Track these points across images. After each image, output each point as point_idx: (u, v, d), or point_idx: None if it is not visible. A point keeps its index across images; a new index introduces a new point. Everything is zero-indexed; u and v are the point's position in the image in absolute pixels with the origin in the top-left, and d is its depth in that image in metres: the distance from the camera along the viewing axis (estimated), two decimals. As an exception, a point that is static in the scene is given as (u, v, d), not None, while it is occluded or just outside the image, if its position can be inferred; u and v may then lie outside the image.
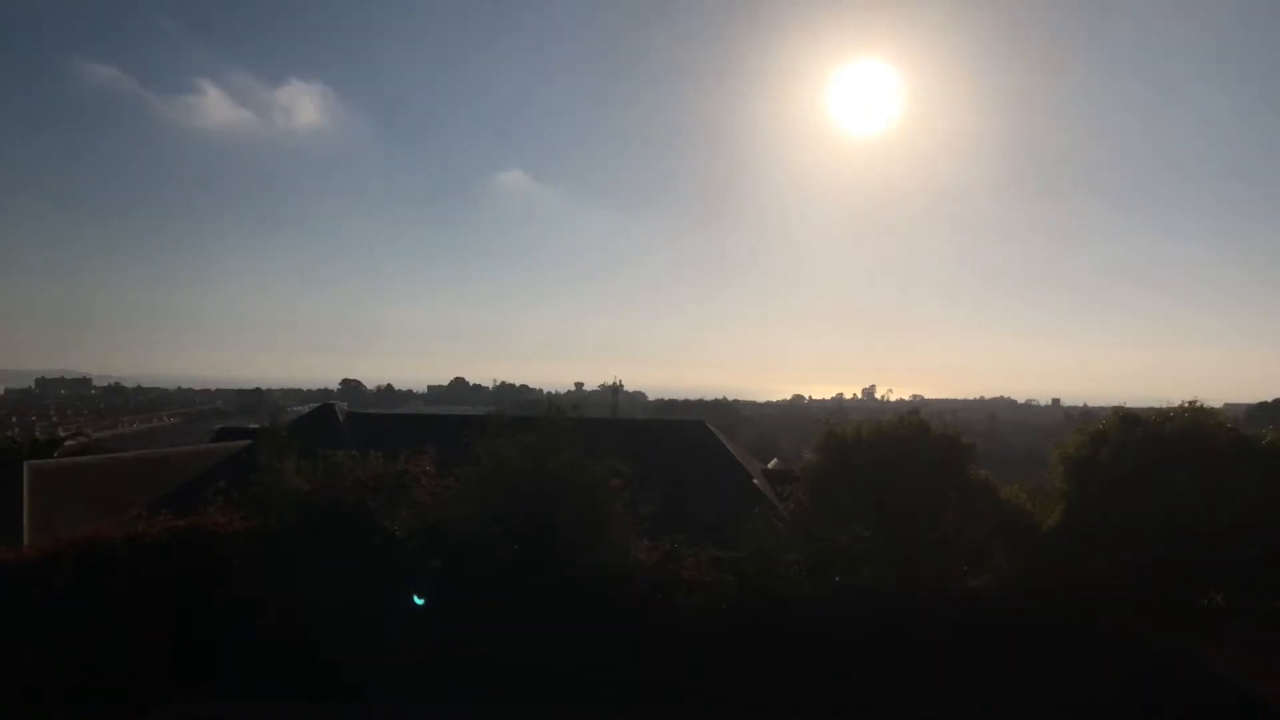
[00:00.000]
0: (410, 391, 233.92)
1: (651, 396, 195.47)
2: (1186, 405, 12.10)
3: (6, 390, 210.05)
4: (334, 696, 10.90)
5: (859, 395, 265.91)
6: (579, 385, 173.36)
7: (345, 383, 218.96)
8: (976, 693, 10.72)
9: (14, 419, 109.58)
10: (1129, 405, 12.53)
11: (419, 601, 11.44)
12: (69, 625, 10.76)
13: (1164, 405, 12.23)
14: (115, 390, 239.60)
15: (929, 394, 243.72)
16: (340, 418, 22.83)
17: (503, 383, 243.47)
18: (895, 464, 11.77)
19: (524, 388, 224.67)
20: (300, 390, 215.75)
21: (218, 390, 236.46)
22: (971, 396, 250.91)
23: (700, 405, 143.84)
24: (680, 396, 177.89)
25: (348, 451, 12.35)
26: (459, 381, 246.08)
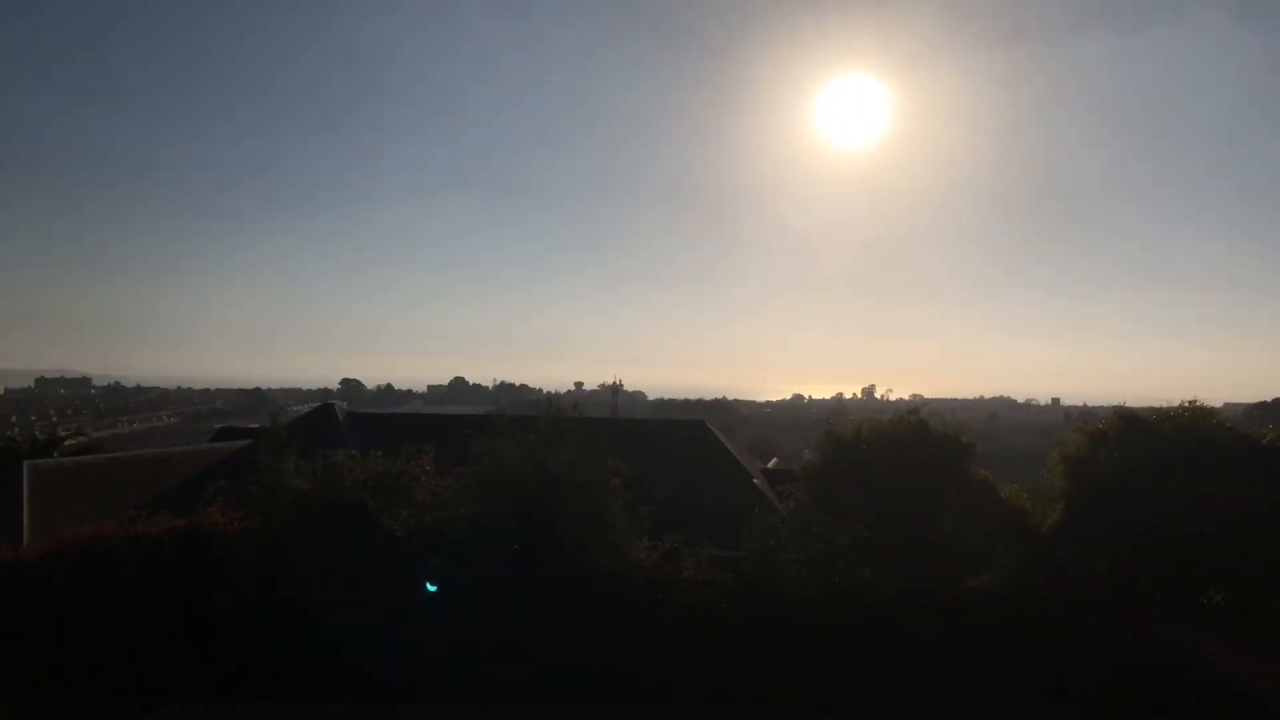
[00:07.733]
0: (410, 391, 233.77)
1: (651, 396, 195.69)
2: (1186, 405, 12.12)
3: (6, 390, 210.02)
4: (334, 696, 10.91)
5: (859, 395, 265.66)
6: (579, 385, 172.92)
7: (345, 382, 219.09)
8: (977, 693, 10.74)
9: (14, 419, 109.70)
10: (1129, 405, 12.51)
11: (432, 589, 11.46)
12: (69, 625, 10.77)
13: (1164, 405, 12.25)
14: (115, 390, 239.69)
15: (929, 394, 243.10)
16: (340, 417, 22.85)
17: (503, 383, 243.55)
18: (895, 464, 11.77)
19: (524, 388, 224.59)
20: (300, 390, 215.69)
21: (218, 390, 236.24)
22: (971, 396, 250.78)
23: (700, 405, 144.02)
24: (680, 396, 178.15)
25: (348, 451, 12.35)
26: (459, 381, 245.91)
